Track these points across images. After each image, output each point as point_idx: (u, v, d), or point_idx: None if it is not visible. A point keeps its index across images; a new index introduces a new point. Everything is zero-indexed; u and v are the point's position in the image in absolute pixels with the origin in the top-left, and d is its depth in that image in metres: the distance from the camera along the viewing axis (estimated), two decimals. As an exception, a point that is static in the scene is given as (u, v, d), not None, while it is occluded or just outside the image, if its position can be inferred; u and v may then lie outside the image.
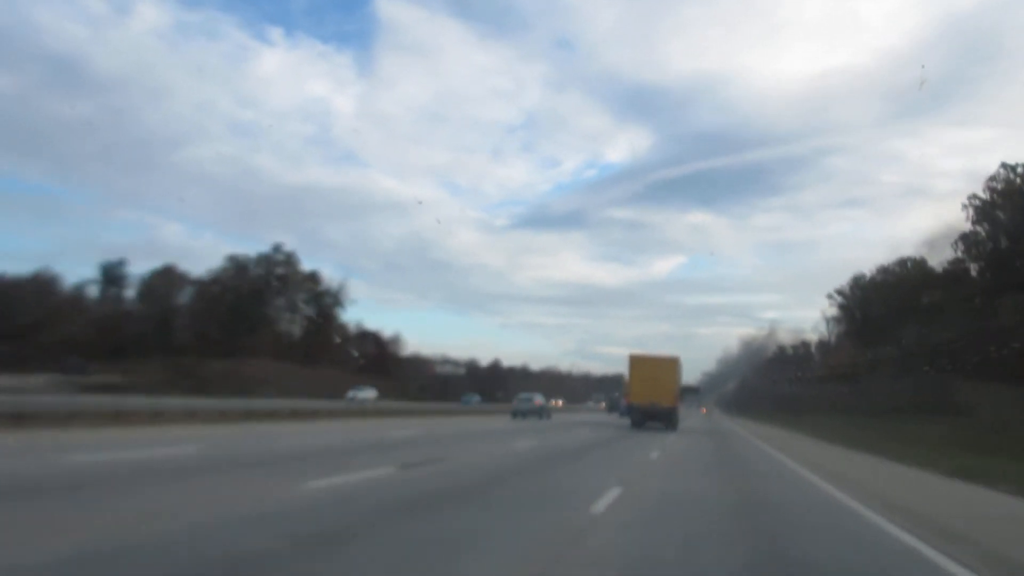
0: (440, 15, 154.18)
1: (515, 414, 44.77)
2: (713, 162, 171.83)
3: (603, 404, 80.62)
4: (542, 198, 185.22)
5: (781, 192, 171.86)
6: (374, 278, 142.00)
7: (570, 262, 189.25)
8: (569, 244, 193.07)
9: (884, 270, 72.44)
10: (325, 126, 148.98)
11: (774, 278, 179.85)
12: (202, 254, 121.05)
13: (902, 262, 69.44)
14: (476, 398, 74.48)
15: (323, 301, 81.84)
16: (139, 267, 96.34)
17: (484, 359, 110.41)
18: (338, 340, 79.53)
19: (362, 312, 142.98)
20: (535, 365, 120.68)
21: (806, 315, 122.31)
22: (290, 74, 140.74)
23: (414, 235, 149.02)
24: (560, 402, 76.02)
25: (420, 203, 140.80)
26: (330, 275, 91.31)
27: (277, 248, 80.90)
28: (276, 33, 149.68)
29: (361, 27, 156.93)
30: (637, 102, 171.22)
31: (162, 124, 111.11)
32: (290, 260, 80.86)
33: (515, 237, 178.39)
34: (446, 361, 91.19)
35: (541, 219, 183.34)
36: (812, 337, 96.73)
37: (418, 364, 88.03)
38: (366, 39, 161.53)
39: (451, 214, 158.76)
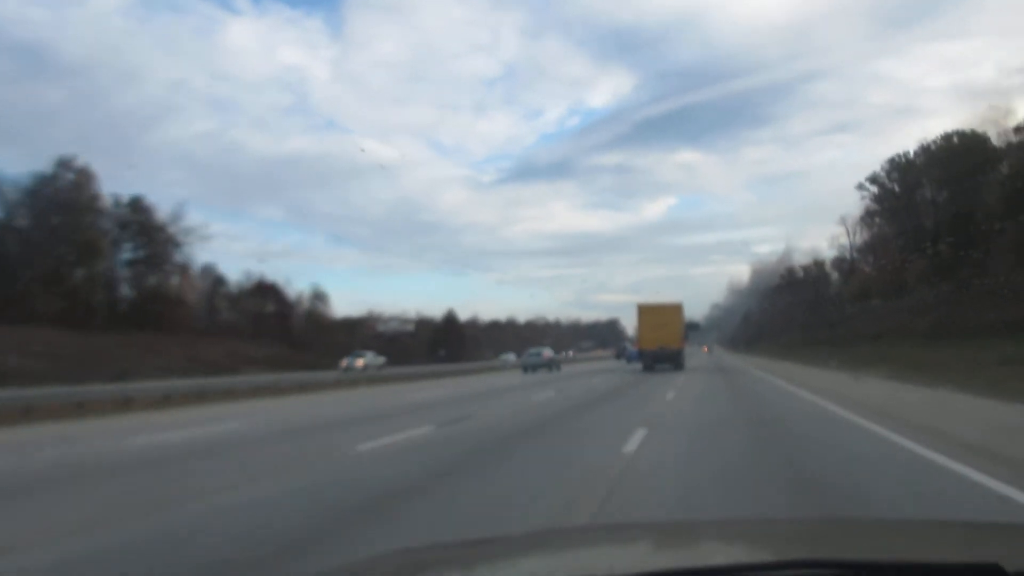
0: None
1: (525, 368, 47.28)
2: (698, 98, 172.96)
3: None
4: (528, 150, 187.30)
5: (768, 123, 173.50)
6: (367, 244, 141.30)
7: (561, 212, 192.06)
8: (559, 194, 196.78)
9: (927, 150, 57.47)
10: (303, 94, 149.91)
11: (767, 212, 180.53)
12: (188, 232, 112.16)
13: (947, 137, 55.91)
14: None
15: (157, 240, 56.89)
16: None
17: (485, 316, 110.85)
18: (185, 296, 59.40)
19: (354, 281, 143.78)
20: (531, 318, 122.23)
21: (801, 245, 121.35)
22: (261, 43, 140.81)
23: (403, 199, 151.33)
24: (571, 352, 75.66)
25: (383, 167, 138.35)
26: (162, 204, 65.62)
27: (64, 164, 51.70)
28: (242, 2, 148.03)
29: None
30: (616, 43, 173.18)
31: (135, 105, 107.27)
32: (83, 180, 52.36)
33: (504, 192, 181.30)
34: (391, 318, 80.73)
35: (529, 171, 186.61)
36: (828, 255, 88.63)
37: (351, 325, 76.47)
38: (335, 1, 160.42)
39: (438, 173, 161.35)
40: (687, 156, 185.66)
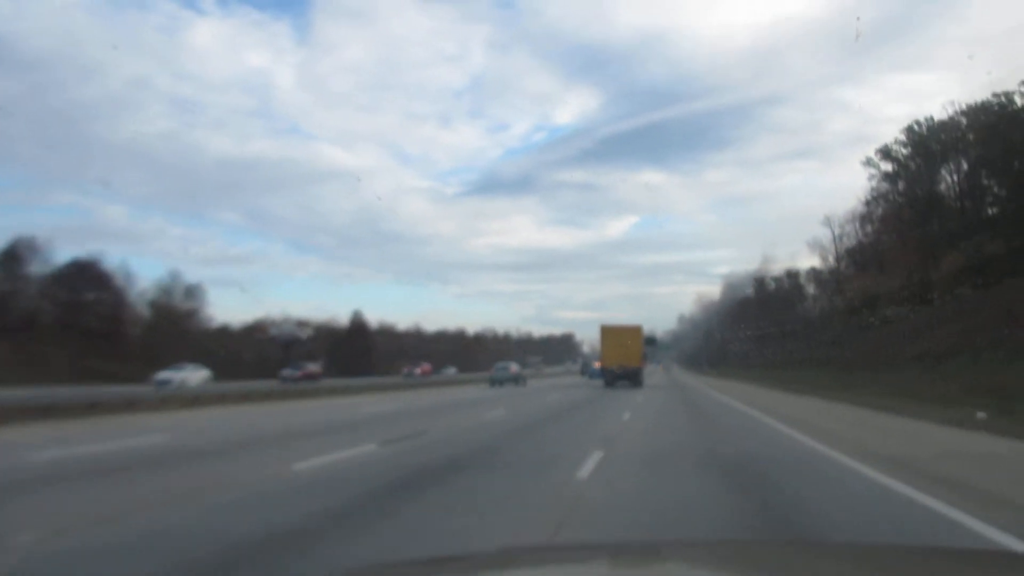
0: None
1: (492, 382, 50.33)
2: (662, 119, 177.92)
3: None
4: (492, 164, 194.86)
5: (731, 146, 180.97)
6: (329, 254, 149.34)
7: (524, 228, 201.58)
8: (522, 209, 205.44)
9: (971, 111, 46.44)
10: (266, 98, 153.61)
11: (728, 234, 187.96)
12: (148, 236, 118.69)
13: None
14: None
15: None
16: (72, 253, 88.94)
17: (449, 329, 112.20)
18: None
19: (317, 290, 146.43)
20: (479, 331, 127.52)
21: (777, 255, 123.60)
22: (226, 45, 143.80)
23: (365, 208, 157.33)
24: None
25: (359, 180, 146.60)
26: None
27: None
28: (208, 2, 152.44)
29: None
30: (583, 61, 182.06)
31: (95, 101, 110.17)
32: None
33: (467, 204, 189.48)
34: (284, 321, 71.89)
35: (493, 185, 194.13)
36: (804, 264, 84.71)
37: (223, 333, 67.42)
38: (303, 5, 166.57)
39: (401, 183, 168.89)
40: (650, 176, 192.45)
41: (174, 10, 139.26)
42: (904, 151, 53.29)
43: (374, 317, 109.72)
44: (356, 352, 67.20)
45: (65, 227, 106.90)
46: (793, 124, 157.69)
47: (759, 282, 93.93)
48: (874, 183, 57.95)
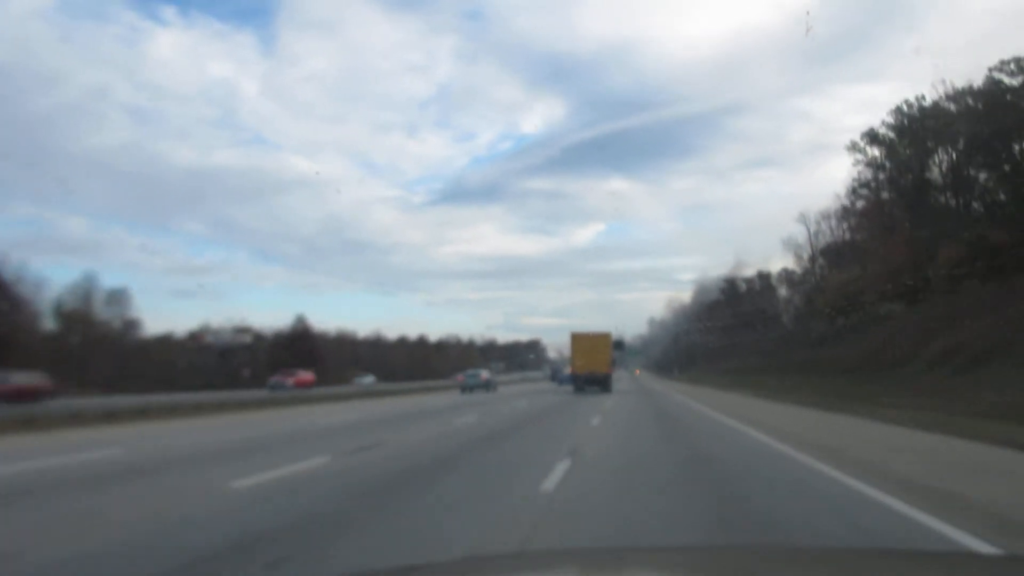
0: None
1: (464, 389, 52.29)
2: (627, 128, 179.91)
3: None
4: (459, 172, 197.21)
5: (695, 154, 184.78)
6: (295, 263, 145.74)
7: (491, 235, 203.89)
8: (489, 217, 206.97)
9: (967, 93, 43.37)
10: (230, 109, 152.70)
11: (692, 241, 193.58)
12: (110, 247, 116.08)
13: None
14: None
15: None
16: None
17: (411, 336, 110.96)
18: None
19: (282, 298, 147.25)
20: (442, 337, 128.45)
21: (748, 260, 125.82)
22: (189, 56, 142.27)
23: (332, 217, 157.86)
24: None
25: (318, 173, 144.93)
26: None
27: None
28: (169, 12, 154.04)
29: (260, 3, 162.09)
30: (550, 70, 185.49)
31: (53, 112, 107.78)
32: None
33: (435, 213, 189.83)
34: (219, 330, 66.94)
35: (460, 194, 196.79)
36: (776, 267, 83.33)
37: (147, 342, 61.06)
38: (267, 16, 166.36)
39: (369, 193, 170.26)
40: (616, 184, 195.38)
41: (134, 20, 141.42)
42: (891, 135, 49.84)
43: (341, 326, 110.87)
44: (300, 359, 60.54)
45: (22, 240, 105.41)
46: (755, 133, 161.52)
47: (730, 284, 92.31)
48: (858, 170, 54.26)
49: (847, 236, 61.08)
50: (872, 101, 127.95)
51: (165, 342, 64.80)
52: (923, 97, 47.22)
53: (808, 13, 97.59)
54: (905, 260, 40.84)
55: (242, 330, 68.90)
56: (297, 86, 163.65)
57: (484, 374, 56.97)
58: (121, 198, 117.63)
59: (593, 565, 2.32)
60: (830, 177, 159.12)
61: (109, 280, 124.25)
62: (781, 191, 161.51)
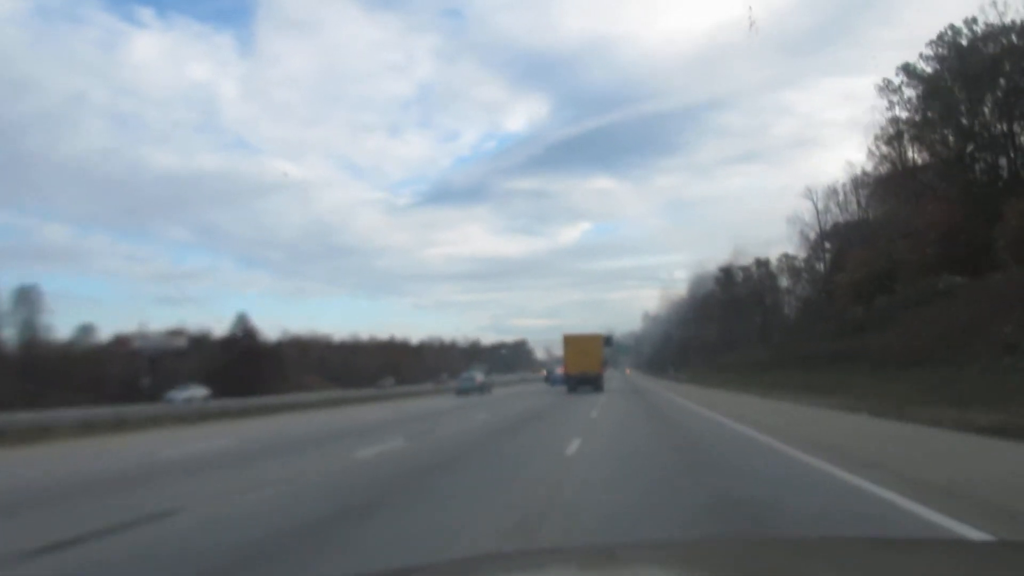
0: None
1: (459, 392, 52.88)
2: (611, 126, 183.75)
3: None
4: (444, 173, 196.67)
5: (679, 151, 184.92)
6: (280, 269, 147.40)
7: (478, 237, 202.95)
8: (475, 218, 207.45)
9: None
10: (210, 112, 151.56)
11: (678, 238, 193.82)
12: (92, 255, 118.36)
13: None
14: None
15: None
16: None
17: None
18: None
19: (269, 305, 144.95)
20: (424, 339, 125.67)
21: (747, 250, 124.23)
22: (167, 58, 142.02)
23: (316, 220, 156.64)
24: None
25: (286, 175, 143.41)
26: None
27: None
28: (147, 14, 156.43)
29: (239, 3, 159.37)
30: (531, 68, 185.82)
31: (30, 119, 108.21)
32: None
33: (420, 215, 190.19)
34: (148, 334, 58.97)
35: (445, 195, 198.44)
36: (774, 253, 76.94)
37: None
38: (245, 16, 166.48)
39: (352, 196, 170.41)
40: (601, 182, 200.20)
41: (112, 23, 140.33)
42: (933, 68, 39.86)
43: (319, 330, 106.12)
44: (243, 366, 54.39)
45: (1, 248, 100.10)
46: (738, 128, 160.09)
47: (726, 272, 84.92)
48: (890, 114, 43.54)
49: (865, 209, 53.87)
50: (854, 94, 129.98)
51: (80, 348, 57.17)
52: (973, 20, 37.74)
53: (751, 8, 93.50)
54: (956, 224, 33.10)
55: (175, 333, 61.71)
56: (277, 88, 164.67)
57: (479, 377, 58.48)
58: (102, 205, 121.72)
59: (589, 564, 2.33)
60: (811, 171, 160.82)
61: (88, 289, 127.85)
62: (766, 186, 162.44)
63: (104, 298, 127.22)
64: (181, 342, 60.59)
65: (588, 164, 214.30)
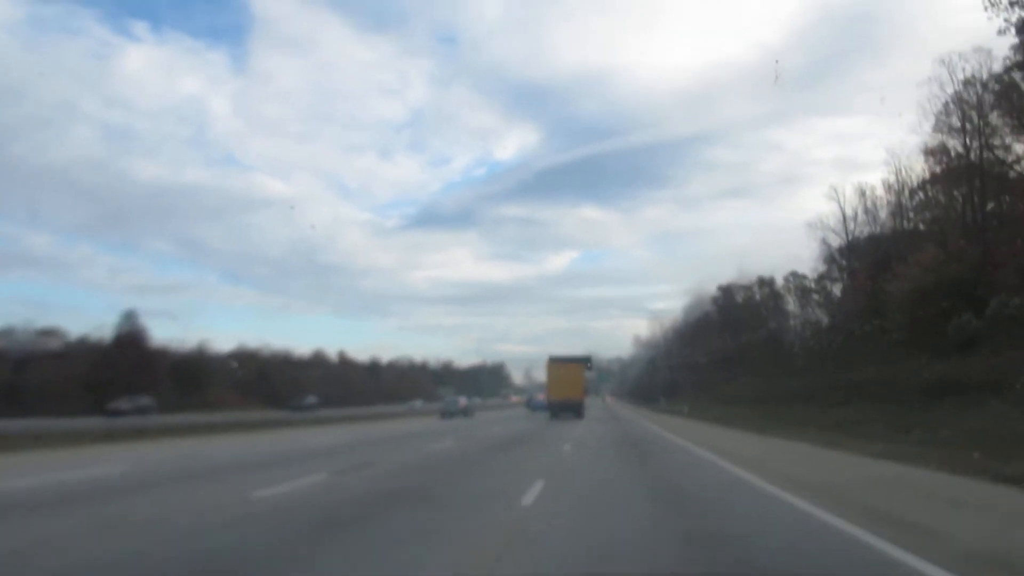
0: (316, 6, 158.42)
1: (443, 414, 55.73)
2: (601, 156, 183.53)
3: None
4: (433, 197, 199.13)
5: (667, 184, 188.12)
6: (264, 285, 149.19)
7: (465, 261, 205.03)
8: (463, 243, 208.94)
9: None
10: (201, 127, 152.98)
11: (664, 270, 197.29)
12: (76, 265, 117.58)
13: None
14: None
15: None
16: None
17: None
18: None
19: (251, 320, 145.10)
20: (394, 358, 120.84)
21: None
22: (160, 72, 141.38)
23: (303, 239, 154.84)
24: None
25: (292, 208, 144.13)
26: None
27: None
28: (141, 28, 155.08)
29: (233, 21, 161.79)
30: (524, 97, 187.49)
31: (18, 125, 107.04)
32: None
33: (407, 237, 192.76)
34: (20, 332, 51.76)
35: (433, 219, 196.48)
36: (784, 271, 69.16)
37: None
38: (239, 34, 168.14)
39: (340, 215, 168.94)
40: (590, 212, 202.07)
41: (106, 35, 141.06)
42: None
43: (294, 348, 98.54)
44: (131, 373, 46.18)
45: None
46: (728, 163, 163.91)
47: (725, 292, 76.66)
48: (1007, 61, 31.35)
49: (909, 213, 45.40)
50: (841, 134, 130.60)
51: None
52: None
53: (777, 62, 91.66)
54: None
55: (47, 333, 53.35)
56: (269, 106, 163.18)
57: (463, 401, 62.15)
58: (88, 215, 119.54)
59: None
60: (797, 208, 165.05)
61: (65, 298, 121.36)
62: (752, 221, 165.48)
63: (82, 307, 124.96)
64: (55, 344, 52.88)
65: (577, 193, 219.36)
